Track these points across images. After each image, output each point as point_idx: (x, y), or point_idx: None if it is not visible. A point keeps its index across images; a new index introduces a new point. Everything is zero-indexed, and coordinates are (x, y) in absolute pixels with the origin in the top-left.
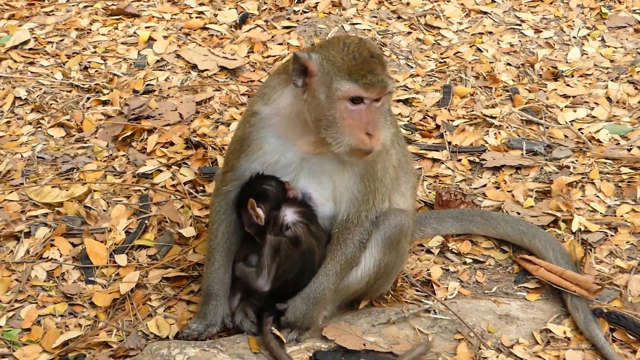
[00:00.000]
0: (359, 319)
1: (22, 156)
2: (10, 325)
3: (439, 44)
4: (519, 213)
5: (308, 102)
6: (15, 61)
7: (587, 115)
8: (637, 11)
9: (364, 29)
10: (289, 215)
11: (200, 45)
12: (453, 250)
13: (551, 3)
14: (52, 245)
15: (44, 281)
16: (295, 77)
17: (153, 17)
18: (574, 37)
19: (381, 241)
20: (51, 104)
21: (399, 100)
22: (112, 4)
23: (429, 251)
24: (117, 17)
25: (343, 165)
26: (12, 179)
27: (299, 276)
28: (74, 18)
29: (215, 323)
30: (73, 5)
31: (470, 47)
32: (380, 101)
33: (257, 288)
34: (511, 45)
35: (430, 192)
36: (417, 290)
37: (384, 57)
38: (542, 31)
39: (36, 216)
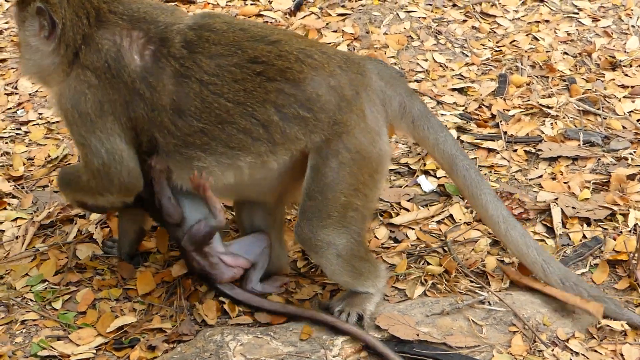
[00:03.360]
0: (413, 309)
1: None
2: (66, 308)
3: (495, 32)
4: (574, 207)
5: None
6: None
7: None
8: None
9: (419, 17)
10: None
11: None
12: None
13: None
14: (104, 227)
15: (99, 265)
16: None
17: (208, 3)
18: (633, 26)
19: None
20: None
21: (454, 89)
22: None
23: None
24: (173, 3)
25: None
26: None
27: None
28: None
29: None
30: None
31: (527, 35)
32: None
33: None
34: (568, 34)
35: None
36: (471, 281)
37: None
38: (599, 20)
39: None
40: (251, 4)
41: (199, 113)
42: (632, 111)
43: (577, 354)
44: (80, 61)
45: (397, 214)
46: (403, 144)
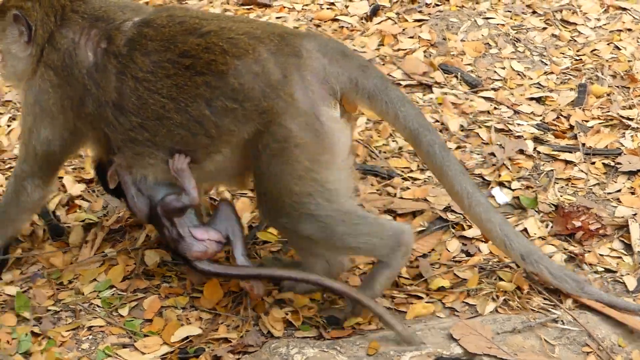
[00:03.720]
0: (484, 326)
1: None
2: (133, 315)
3: (575, 40)
4: None
5: None
6: None
7: None
8: None
9: (498, 24)
10: None
11: (330, 36)
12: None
13: None
14: None
15: (167, 272)
16: None
17: (284, 7)
18: None
19: None
20: None
21: (532, 99)
22: None
23: None
24: (248, 7)
25: None
26: None
27: None
28: (206, 7)
29: None
30: None
31: (608, 44)
32: None
33: None
34: None
35: (562, 196)
36: (544, 299)
37: None
38: None
39: None
40: (327, 9)
41: (137, 109)
42: None
43: None
44: (44, 59)
45: (470, 227)
46: (478, 154)
